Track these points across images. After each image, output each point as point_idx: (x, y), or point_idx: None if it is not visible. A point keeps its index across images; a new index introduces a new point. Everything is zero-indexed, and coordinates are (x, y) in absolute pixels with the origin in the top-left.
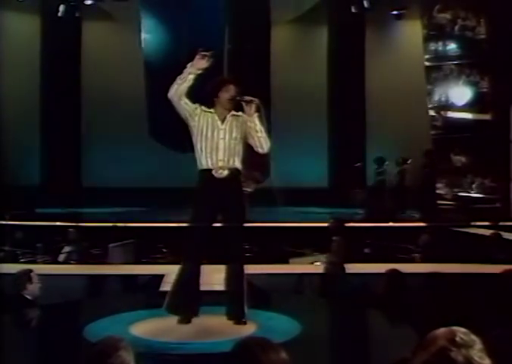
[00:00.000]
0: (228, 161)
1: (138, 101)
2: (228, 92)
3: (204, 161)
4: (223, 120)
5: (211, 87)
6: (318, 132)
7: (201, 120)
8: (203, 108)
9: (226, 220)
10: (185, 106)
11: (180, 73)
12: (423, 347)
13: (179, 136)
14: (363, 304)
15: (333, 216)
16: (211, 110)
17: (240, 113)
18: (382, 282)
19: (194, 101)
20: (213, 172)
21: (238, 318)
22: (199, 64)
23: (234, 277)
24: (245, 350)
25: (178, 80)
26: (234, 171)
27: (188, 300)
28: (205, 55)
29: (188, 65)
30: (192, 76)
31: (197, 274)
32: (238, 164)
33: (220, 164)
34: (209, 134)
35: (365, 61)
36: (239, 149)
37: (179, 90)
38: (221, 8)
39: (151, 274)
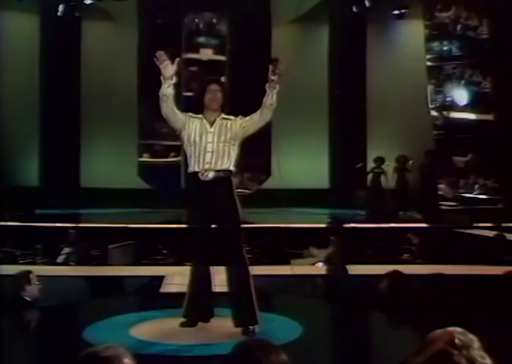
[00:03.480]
0: (215, 163)
1: (138, 102)
2: (210, 92)
3: (193, 164)
4: (212, 124)
5: (197, 91)
6: (319, 132)
7: (191, 127)
8: (191, 114)
9: (220, 222)
10: (180, 117)
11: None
12: (421, 351)
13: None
14: (364, 306)
15: (332, 216)
16: (199, 115)
17: (231, 117)
18: (383, 283)
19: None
20: (199, 175)
21: (247, 325)
22: (166, 72)
23: (238, 280)
24: (245, 352)
25: (160, 95)
26: (221, 173)
27: (201, 303)
28: (163, 59)
29: (161, 78)
30: (170, 89)
31: (206, 276)
32: (228, 166)
33: (207, 166)
34: (197, 138)
35: (366, 61)
36: (230, 151)
37: (168, 105)
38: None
39: (152, 276)
